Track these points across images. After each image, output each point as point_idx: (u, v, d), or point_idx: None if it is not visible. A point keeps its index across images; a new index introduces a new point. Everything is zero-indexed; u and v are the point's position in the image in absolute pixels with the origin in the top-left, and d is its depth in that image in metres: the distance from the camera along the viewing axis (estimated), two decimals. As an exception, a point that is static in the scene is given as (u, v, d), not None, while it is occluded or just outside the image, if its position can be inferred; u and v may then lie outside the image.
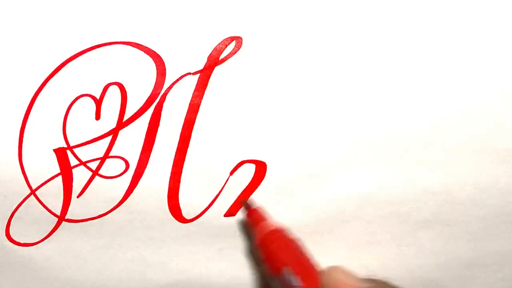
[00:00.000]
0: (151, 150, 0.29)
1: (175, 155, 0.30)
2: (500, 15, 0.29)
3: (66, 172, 0.29)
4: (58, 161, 0.29)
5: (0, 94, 0.28)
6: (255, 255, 0.30)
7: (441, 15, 0.29)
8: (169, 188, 0.30)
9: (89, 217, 0.30)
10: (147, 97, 0.29)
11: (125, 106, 0.29)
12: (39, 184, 0.30)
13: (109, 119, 0.29)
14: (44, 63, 0.28)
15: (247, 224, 0.30)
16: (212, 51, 0.29)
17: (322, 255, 0.31)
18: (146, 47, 0.28)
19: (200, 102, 0.29)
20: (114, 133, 0.29)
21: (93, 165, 0.30)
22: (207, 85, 0.29)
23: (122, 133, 0.29)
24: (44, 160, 0.29)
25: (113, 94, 0.29)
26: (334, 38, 0.29)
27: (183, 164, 0.30)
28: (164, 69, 0.29)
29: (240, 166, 0.30)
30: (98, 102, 0.29)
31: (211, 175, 0.30)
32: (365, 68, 0.29)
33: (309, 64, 0.29)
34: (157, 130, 0.29)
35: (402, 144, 0.30)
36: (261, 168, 0.30)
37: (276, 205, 0.31)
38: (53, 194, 0.30)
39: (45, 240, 0.31)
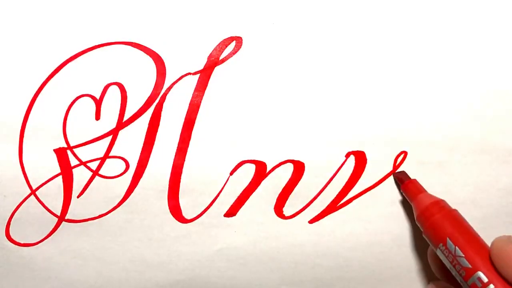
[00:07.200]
0: (151, 150, 0.29)
1: (175, 155, 0.30)
2: (500, 15, 0.29)
3: (66, 172, 0.29)
4: (58, 161, 0.29)
5: (0, 94, 0.28)
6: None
7: (441, 16, 0.29)
8: (169, 188, 0.30)
9: (89, 217, 0.30)
10: (147, 97, 0.29)
11: (125, 106, 0.29)
12: (39, 184, 0.30)
13: (109, 119, 0.29)
14: (44, 63, 0.28)
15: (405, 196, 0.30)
16: (212, 51, 0.29)
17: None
18: (146, 47, 0.29)
19: (200, 102, 0.29)
20: (114, 133, 0.29)
21: (93, 165, 0.30)
22: (207, 85, 0.29)
23: (122, 133, 0.29)
24: (44, 160, 0.29)
25: (113, 94, 0.29)
26: (334, 38, 0.29)
27: (183, 164, 0.30)
28: (164, 69, 0.29)
29: (240, 166, 0.30)
30: (98, 102, 0.29)
31: (211, 175, 0.30)
32: (365, 68, 0.29)
33: (309, 64, 0.29)
34: (157, 130, 0.29)
35: (402, 144, 0.30)
36: (261, 168, 0.30)
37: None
38: (53, 194, 0.30)
39: (45, 240, 0.31)
